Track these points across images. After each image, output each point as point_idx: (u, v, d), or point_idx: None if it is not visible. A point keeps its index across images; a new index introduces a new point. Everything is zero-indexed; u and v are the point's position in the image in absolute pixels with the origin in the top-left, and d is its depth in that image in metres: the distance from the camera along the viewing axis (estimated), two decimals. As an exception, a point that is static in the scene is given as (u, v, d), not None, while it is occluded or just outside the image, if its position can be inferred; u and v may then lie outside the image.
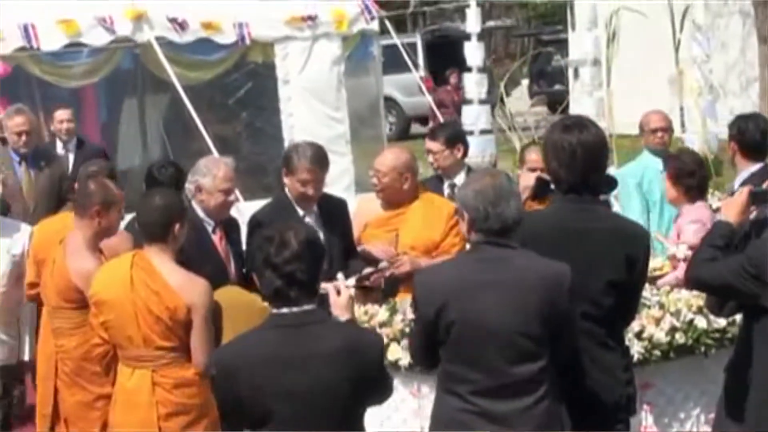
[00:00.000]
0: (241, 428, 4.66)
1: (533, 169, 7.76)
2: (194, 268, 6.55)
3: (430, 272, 5.28)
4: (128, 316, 5.89)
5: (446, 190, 7.98)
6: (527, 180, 7.53)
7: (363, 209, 7.82)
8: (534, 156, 7.84)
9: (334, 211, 7.32)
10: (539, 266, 4.93)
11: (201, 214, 6.81)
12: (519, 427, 4.85)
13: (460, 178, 7.86)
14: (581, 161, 5.24)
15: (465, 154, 8.17)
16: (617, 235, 5.29)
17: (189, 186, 6.83)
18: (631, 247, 5.30)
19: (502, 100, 13.19)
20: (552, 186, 5.47)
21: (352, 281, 6.27)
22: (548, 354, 4.92)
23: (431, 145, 8.04)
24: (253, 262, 4.60)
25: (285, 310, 4.53)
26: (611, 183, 5.80)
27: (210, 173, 6.78)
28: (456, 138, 8.16)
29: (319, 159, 7.08)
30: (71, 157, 11.28)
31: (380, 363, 4.73)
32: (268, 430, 4.51)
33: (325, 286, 4.83)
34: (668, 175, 7.62)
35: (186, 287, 5.88)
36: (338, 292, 4.80)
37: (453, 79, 21.82)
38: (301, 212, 7.09)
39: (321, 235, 6.49)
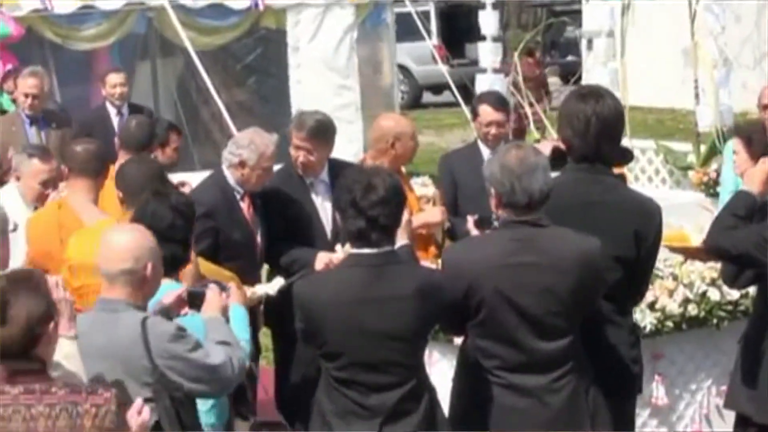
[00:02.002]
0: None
1: None
2: (224, 235, 6.60)
3: (459, 251, 5.21)
4: None
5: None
6: (545, 150, 7.45)
7: None
8: None
9: None
10: (571, 245, 4.86)
11: (231, 181, 6.76)
12: (547, 401, 4.85)
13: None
14: (595, 131, 5.15)
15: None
16: (627, 210, 5.19)
17: (230, 157, 6.72)
18: (641, 222, 5.19)
19: (516, 71, 13.15)
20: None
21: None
22: (577, 329, 4.90)
23: (497, 116, 7.65)
24: (339, 201, 4.72)
25: (366, 250, 4.66)
26: (626, 155, 5.75)
27: (257, 151, 6.67)
28: (509, 108, 8.06)
29: (317, 131, 6.85)
30: None
31: (446, 302, 4.83)
32: (339, 364, 4.67)
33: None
34: (750, 150, 7.12)
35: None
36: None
37: (537, 53, 21.27)
38: (308, 180, 6.97)
39: (330, 204, 6.46)
